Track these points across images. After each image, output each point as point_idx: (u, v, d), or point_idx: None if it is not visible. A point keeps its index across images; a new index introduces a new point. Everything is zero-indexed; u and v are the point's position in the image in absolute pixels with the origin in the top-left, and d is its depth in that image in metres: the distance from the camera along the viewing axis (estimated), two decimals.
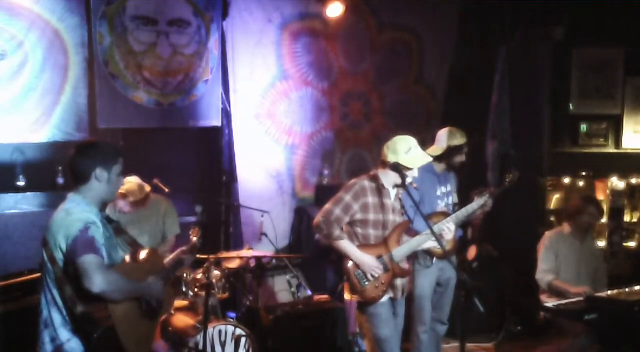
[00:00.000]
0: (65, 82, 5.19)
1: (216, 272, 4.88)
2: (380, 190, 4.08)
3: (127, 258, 3.08)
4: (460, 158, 4.85)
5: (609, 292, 4.63)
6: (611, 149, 7.04)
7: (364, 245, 4.07)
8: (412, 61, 7.09)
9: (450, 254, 4.74)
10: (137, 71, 5.48)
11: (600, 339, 4.54)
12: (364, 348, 4.80)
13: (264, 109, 6.20)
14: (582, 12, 6.52)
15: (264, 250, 5.49)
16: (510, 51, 6.79)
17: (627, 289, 4.61)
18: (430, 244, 4.23)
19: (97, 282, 2.75)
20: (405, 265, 4.22)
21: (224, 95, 5.93)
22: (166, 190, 5.01)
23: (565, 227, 5.29)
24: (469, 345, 5.61)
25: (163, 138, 5.88)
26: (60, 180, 5.20)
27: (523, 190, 5.21)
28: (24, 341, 3.49)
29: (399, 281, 4.13)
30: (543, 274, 5.12)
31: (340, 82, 6.66)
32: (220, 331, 4.59)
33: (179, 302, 4.85)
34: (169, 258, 3.50)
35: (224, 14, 5.86)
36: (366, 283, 4.01)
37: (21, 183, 5.14)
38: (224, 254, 5.08)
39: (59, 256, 2.88)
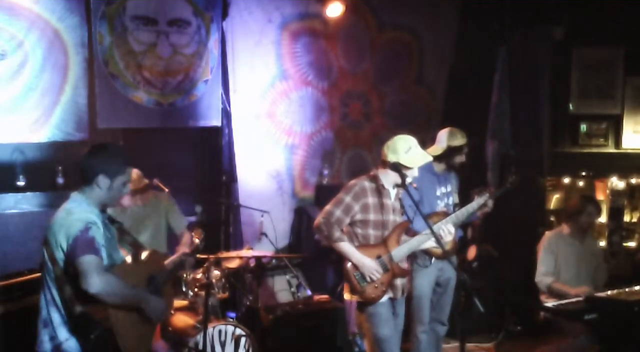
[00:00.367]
0: (65, 82, 5.18)
1: (216, 272, 4.87)
2: (380, 190, 4.07)
3: (128, 259, 3.08)
4: (460, 158, 4.85)
5: (609, 292, 4.61)
6: (611, 149, 7.03)
7: (363, 245, 4.06)
8: (412, 61, 7.09)
9: (450, 255, 4.73)
10: (137, 71, 5.48)
11: (600, 339, 4.54)
12: (364, 348, 4.80)
13: (264, 109, 6.19)
14: (582, 12, 6.53)
15: (264, 250, 5.49)
16: (510, 51, 6.79)
17: (627, 289, 4.61)
18: (430, 244, 4.23)
19: (95, 283, 2.76)
20: (405, 265, 4.22)
21: (224, 95, 5.93)
22: (166, 190, 5.01)
23: (565, 228, 5.28)
24: (469, 345, 5.62)
25: (163, 138, 5.87)
26: (60, 180, 5.20)
27: (523, 190, 5.21)
28: (24, 341, 3.47)
29: (398, 281, 4.13)
30: (542, 276, 5.11)
31: (340, 82, 6.66)
32: (220, 331, 4.59)
33: (179, 302, 4.85)
34: (169, 259, 3.51)
35: (224, 14, 5.85)
36: (365, 284, 4.01)
37: (21, 183, 5.12)
38: (224, 254, 5.07)
39: (59, 256, 2.89)
